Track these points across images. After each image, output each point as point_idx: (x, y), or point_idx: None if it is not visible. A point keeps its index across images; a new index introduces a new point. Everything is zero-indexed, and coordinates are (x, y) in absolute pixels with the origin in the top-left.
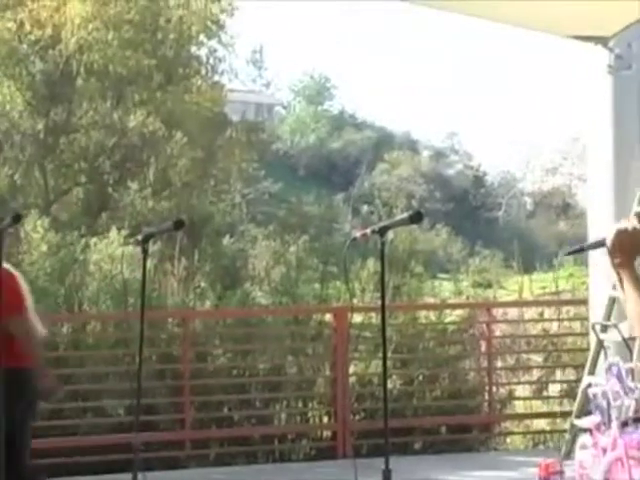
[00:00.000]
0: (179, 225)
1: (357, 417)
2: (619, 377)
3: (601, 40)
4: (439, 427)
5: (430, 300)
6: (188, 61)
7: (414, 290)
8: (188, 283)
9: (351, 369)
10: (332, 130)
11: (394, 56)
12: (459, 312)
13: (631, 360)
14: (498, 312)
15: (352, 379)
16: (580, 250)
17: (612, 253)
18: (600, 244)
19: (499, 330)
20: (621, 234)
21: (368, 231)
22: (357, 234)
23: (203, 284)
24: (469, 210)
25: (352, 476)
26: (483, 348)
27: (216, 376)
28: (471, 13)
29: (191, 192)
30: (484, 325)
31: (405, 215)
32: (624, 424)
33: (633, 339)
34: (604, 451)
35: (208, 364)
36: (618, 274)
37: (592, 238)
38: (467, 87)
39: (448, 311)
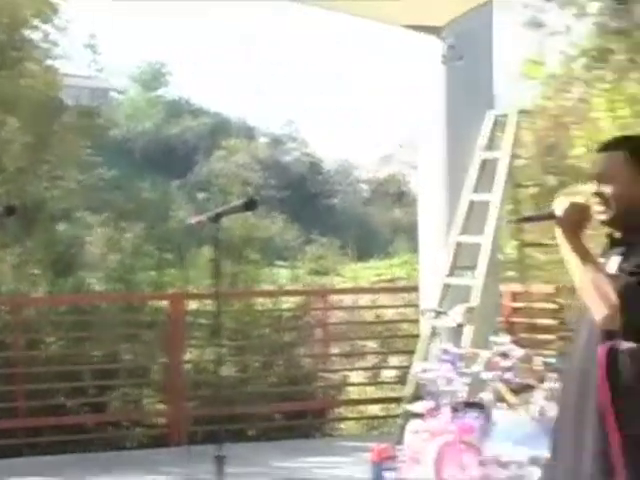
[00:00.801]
0: (10, 211)
1: (192, 404)
2: (450, 362)
3: (434, 30)
4: (275, 414)
5: (268, 287)
6: (21, 45)
7: (251, 277)
8: (21, 270)
9: (187, 356)
10: (168, 116)
11: (230, 42)
12: (296, 299)
13: (462, 346)
14: (334, 299)
15: (188, 366)
16: (529, 219)
17: (562, 225)
18: (550, 215)
19: (335, 317)
20: (573, 207)
21: (203, 218)
22: (192, 221)
23: (37, 271)
24: (306, 197)
25: (186, 463)
26: (320, 335)
27: (49, 364)
28: (306, 1)
29: (25, 178)
30: (320, 312)
31: (239, 202)
32: (455, 409)
33: (464, 325)
34: (435, 436)
35: (41, 352)
36: (567, 245)
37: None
38: (304, 75)
39: (285, 298)
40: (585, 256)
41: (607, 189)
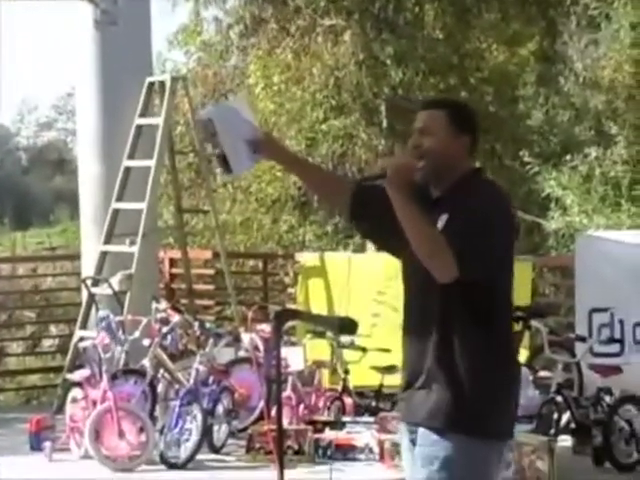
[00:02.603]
0: None
1: None
2: (109, 330)
3: None
4: None
5: None
6: None
7: None
8: None
9: None
10: None
11: None
12: None
13: (122, 313)
14: None
15: None
16: (364, 179)
17: (390, 183)
18: (382, 175)
19: None
20: (397, 165)
21: None
22: None
23: None
24: None
25: None
26: None
27: None
28: None
29: None
30: None
31: None
32: (114, 376)
33: (124, 293)
34: (94, 404)
35: None
36: (398, 202)
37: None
38: None
39: None
40: (417, 213)
41: (426, 142)
